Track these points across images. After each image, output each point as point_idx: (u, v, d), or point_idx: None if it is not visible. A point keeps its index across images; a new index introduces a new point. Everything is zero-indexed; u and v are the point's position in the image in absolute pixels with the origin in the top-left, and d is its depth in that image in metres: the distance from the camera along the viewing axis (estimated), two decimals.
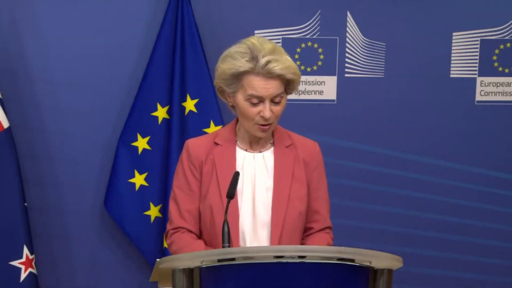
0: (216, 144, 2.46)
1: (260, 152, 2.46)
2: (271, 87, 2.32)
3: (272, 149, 2.47)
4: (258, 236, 2.40)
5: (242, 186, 2.40)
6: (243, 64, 2.32)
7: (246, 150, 2.46)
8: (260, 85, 2.31)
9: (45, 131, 3.54)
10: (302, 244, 2.48)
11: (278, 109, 2.36)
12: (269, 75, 2.31)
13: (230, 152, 2.44)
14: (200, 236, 2.48)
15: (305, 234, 2.51)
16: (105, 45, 3.50)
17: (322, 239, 2.47)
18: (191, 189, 2.45)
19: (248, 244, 2.39)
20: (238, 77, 2.34)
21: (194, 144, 2.48)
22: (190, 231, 2.46)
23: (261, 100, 2.33)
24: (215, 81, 2.43)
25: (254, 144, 2.46)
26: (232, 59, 2.34)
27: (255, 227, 2.40)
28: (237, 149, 2.46)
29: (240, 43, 2.38)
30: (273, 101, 2.34)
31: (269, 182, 2.42)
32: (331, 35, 3.60)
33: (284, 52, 2.37)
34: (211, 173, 2.43)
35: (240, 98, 2.36)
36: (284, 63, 2.32)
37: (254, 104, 2.34)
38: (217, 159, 2.43)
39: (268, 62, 2.30)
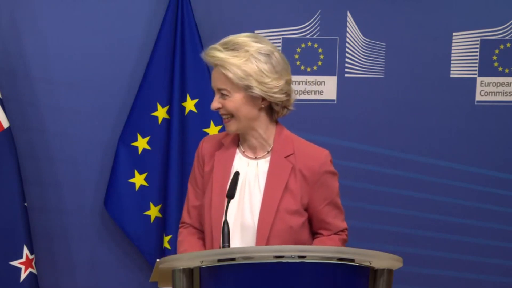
0: (222, 144, 2.45)
1: (256, 158, 2.40)
2: (214, 77, 2.33)
3: (268, 157, 2.39)
4: (240, 243, 2.34)
5: None
6: None
7: (243, 153, 2.42)
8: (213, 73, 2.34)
9: (45, 131, 3.53)
10: None
11: (226, 103, 2.31)
12: (210, 60, 2.31)
13: (229, 154, 2.42)
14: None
15: (314, 237, 2.45)
16: (105, 45, 3.50)
17: (328, 240, 2.42)
18: (197, 185, 2.46)
19: None
20: None
21: (205, 141, 2.49)
22: (194, 227, 2.47)
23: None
24: None
25: (250, 149, 2.42)
26: None
27: (238, 233, 2.34)
28: (237, 151, 2.43)
29: None
30: (221, 92, 2.32)
31: (257, 192, 2.35)
32: (331, 35, 3.60)
33: (250, 51, 2.27)
34: (209, 173, 2.42)
35: None
36: (224, 54, 2.28)
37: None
38: (216, 160, 2.42)
39: (210, 48, 2.32)
